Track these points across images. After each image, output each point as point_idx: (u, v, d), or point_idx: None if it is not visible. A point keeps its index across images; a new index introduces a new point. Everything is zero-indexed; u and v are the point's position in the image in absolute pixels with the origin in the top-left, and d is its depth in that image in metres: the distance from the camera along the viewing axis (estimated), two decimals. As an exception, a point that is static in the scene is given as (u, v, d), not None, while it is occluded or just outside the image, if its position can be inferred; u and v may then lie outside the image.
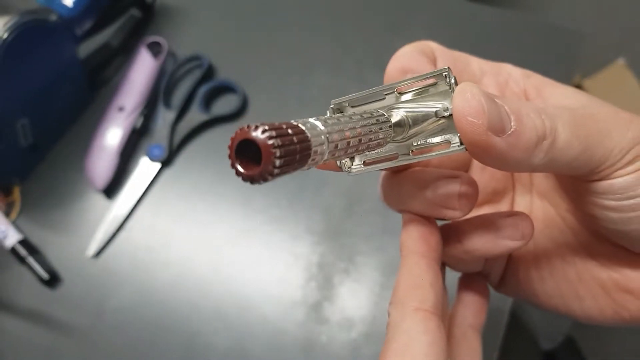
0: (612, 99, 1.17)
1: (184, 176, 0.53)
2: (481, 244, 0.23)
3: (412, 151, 0.20)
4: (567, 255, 0.24)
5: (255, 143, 0.13)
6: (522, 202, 0.26)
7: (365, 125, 0.18)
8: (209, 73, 0.56)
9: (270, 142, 0.13)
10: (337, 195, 0.51)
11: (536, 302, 0.25)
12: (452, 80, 0.19)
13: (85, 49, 0.55)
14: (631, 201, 0.19)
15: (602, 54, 1.22)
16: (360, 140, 0.17)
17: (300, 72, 0.56)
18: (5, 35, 0.44)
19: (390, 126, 0.19)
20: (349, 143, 0.17)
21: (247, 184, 0.55)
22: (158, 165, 0.53)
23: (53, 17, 0.47)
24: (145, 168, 0.53)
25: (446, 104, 0.19)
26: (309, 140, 0.15)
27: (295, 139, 0.14)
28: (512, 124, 0.18)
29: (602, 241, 0.22)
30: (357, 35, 0.58)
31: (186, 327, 0.47)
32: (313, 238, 0.49)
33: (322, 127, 0.16)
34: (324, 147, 0.16)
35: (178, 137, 0.53)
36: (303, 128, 0.15)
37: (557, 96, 0.23)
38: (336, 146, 0.16)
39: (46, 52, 0.49)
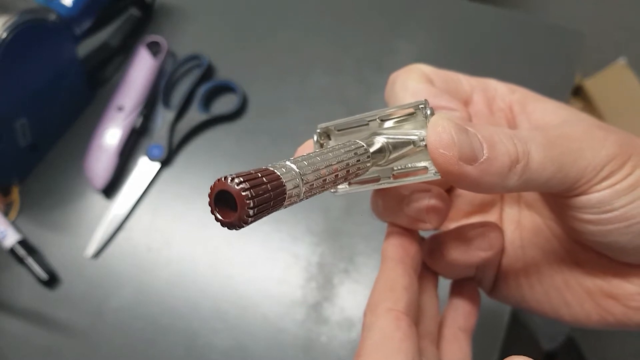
0: (612, 98, 1.17)
1: (183, 176, 0.53)
2: (457, 254, 0.24)
3: (393, 175, 0.22)
4: (554, 263, 0.24)
5: (230, 193, 0.15)
6: (510, 212, 0.26)
7: (342, 161, 0.19)
8: (208, 73, 0.56)
9: (244, 193, 0.15)
10: (337, 196, 0.50)
11: (526, 308, 0.26)
12: (428, 112, 0.20)
13: (85, 48, 0.55)
14: (608, 214, 0.20)
15: (603, 53, 1.22)
16: (336, 175, 0.19)
17: (300, 72, 0.56)
18: (5, 35, 0.44)
19: (368, 157, 0.20)
20: (325, 180, 0.18)
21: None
22: (157, 165, 0.53)
23: (52, 17, 0.47)
24: (144, 168, 0.52)
25: (423, 133, 0.21)
26: (283, 186, 0.16)
27: (269, 186, 0.16)
28: (484, 151, 0.18)
29: (587, 250, 0.23)
30: (357, 35, 0.58)
31: (186, 327, 0.47)
32: (313, 238, 0.49)
33: (297, 170, 0.17)
34: (299, 189, 0.17)
35: (177, 137, 0.53)
36: (278, 173, 0.16)
37: (540, 111, 0.24)
38: (312, 185, 0.17)
39: (45, 51, 0.49)
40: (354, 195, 0.50)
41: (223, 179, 0.15)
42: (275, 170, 0.16)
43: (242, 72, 0.56)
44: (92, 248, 0.50)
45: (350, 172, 0.19)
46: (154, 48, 0.56)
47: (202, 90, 0.54)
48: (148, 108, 0.54)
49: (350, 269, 0.48)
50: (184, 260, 0.49)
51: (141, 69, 0.54)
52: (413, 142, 0.20)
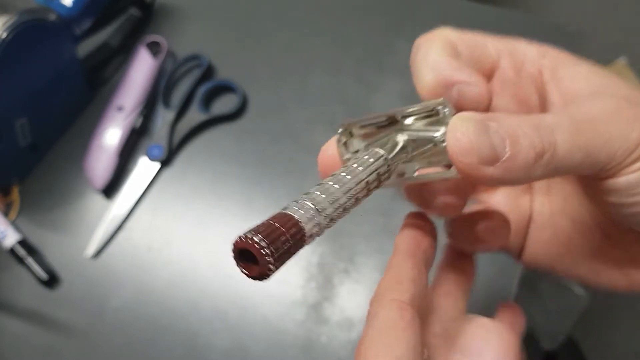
0: (612, 98, 1.17)
1: (183, 176, 0.53)
2: (465, 245, 0.25)
3: (416, 170, 0.22)
4: (583, 233, 0.25)
5: (250, 251, 0.16)
6: (540, 182, 0.26)
7: (362, 180, 0.19)
8: (208, 73, 0.56)
9: (264, 251, 0.16)
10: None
11: (553, 273, 0.26)
12: (447, 112, 0.20)
13: (85, 48, 0.55)
14: (638, 197, 0.19)
15: (603, 53, 1.22)
16: (357, 198, 0.18)
17: (300, 72, 0.56)
18: (4, 35, 0.44)
19: (388, 167, 0.20)
20: (344, 208, 0.18)
21: (248, 184, 0.55)
22: (157, 165, 0.53)
23: (52, 17, 0.47)
24: (144, 168, 0.52)
25: (443, 131, 0.20)
26: (302, 230, 0.17)
27: (288, 235, 0.16)
28: (507, 149, 0.18)
29: (616, 223, 0.23)
30: (357, 35, 0.58)
31: (186, 327, 0.47)
32: (313, 238, 0.49)
33: (314, 207, 0.17)
34: (319, 226, 0.17)
35: (177, 137, 0.53)
36: (296, 218, 0.16)
37: (570, 78, 0.23)
38: (331, 218, 0.18)
39: (45, 51, 0.49)
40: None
41: (243, 238, 0.16)
42: (294, 215, 0.17)
43: (242, 72, 0.56)
44: (92, 248, 0.50)
45: (371, 189, 0.19)
46: (154, 48, 0.56)
47: (202, 90, 0.54)
48: (148, 108, 0.54)
49: (350, 269, 0.48)
50: (184, 260, 0.49)
51: (141, 69, 0.54)
52: (434, 142, 0.20)
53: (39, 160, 0.54)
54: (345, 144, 0.22)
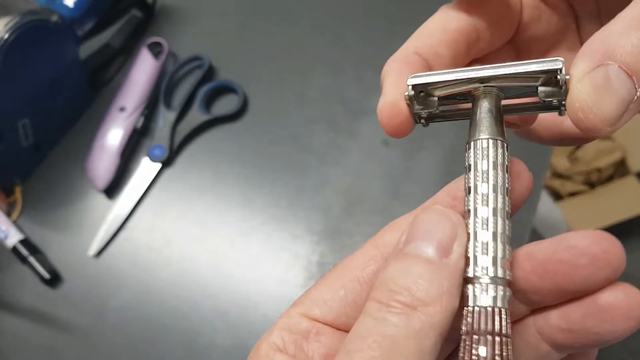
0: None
1: (184, 176, 0.53)
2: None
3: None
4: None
5: None
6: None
7: (503, 205, 0.17)
8: (209, 73, 0.56)
9: None
10: (337, 195, 0.51)
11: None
12: (564, 78, 0.17)
13: (87, 49, 0.56)
14: None
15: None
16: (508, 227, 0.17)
17: (300, 73, 0.57)
18: (7, 36, 0.44)
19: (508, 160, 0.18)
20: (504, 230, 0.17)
21: (248, 184, 0.55)
22: (159, 166, 0.53)
23: (54, 18, 0.48)
24: (146, 168, 0.53)
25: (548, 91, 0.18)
26: (503, 314, 0.16)
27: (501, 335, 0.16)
28: (637, 87, 0.15)
29: None
30: (357, 36, 0.58)
31: (187, 326, 0.47)
32: (313, 238, 0.49)
33: (495, 284, 0.17)
34: (506, 293, 0.17)
35: (179, 138, 0.54)
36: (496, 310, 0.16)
37: None
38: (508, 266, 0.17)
39: (47, 52, 0.49)
40: (354, 195, 0.51)
41: None
42: (486, 309, 0.16)
43: (242, 73, 0.56)
44: (94, 247, 0.50)
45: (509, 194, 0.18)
46: (155, 49, 0.56)
47: (203, 91, 0.55)
48: (149, 109, 0.55)
49: (350, 268, 0.48)
50: (185, 260, 0.50)
51: (143, 69, 0.54)
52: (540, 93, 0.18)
53: (41, 161, 0.55)
54: (413, 98, 0.19)
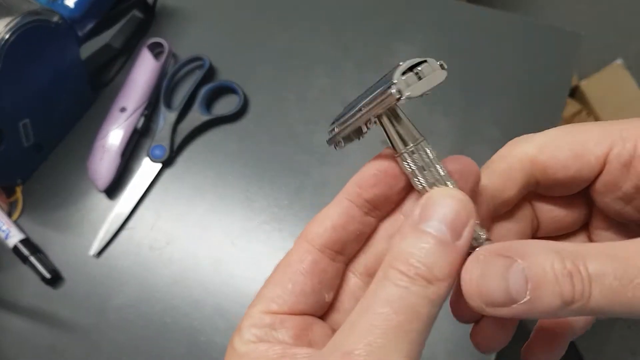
0: (609, 100, 1.18)
1: (185, 176, 0.53)
2: None
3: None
4: None
5: None
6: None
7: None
8: (209, 74, 0.56)
9: None
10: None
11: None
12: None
13: (88, 50, 0.56)
14: None
15: (600, 55, 1.23)
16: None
17: (301, 74, 0.57)
18: (8, 36, 0.44)
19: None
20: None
21: (248, 184, 0.55)
22: (159, 166, 0.53)
23: (55, 18, 0.48)
24: (146, 168, 0.53)
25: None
26: None
27: None
28: (527, 293, 0.17)
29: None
30: (357, 37, 0.58)
31: (188, 325, 0.48)
32: (313, 237, 0.49)
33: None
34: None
35: (179, 138, 0.54)
36: None
37: None
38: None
39: (48, 53, 0.49)
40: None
41: None
42: None
43: (243, 74, 0.57)
44: (95, 247, 0.50)
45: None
46: (156, 49, 0.56)
47: (203, 92, 0.55)
48: (150, 109, 0.55)
49: (350, 267, 0.48)
50: (186, 259, 0.50)
51: (143, 70, 0.55)
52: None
53: (42, 161, 0.55)
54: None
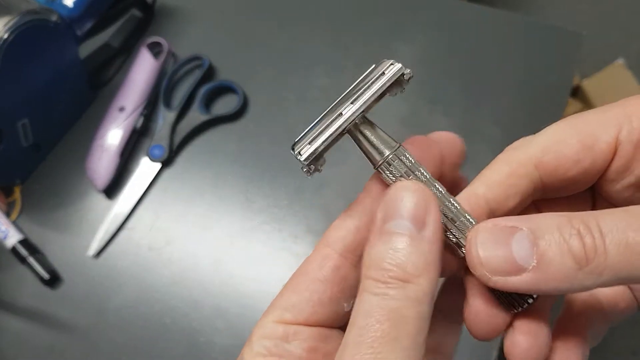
0: (610, 99, 1.17)
1: (184, 176, 0.53)
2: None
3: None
4: None
5: None
6: None
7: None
8: (209, 73, 0.56)
9: None
10: (336, 195, 0.51)
11: None
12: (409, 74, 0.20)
13: (86, 49, 0.56)
14: None
15: (601, 54, 1.22)
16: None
17: (300, 73, 0.57)
18: (6, 36, 0.44)
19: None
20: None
21: (248, 184, 0.55)
22: (158, 165, 0.53)
23: (54, 18, 0.48)
24: (145, 168, 0.53)
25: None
26: None
27: None
28: (534, 257, 0.17)
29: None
30: (357, 36, 0.58)
31: (187, 325, 0.47)
32: (313, 237, 0.49)
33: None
34: None
35: (178, 137, 0.54)
36: None
37: None
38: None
39: (47, 52, 0.49)
40: (354, 195, 0.51)
41: None
42: None
43: (242, 73, 0.56)
44: (93, 247, 0.50)
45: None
46: (155, 49, 0.56)
47: (203, 91, 0.55)
48: (149, 108, 0.55)
49: (350, 268, 0.48)
50: (185, 260, 0.50)
51: (142, 69, 0.54)
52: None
53: (40, 161, 0.54)
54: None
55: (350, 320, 0.18)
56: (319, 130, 0.20)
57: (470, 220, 0.20)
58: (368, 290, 0.17)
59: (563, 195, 0.22)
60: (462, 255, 0.20)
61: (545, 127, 0.22)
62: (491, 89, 0.54)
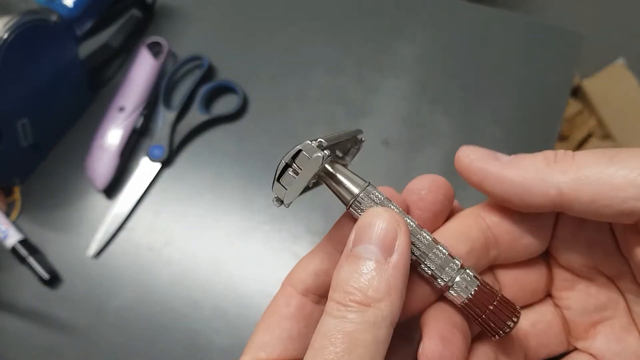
0: (611, 99, 1.18)
1: (184, 176, 0.53)
2: None
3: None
4: None
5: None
6: None
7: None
8: (209, 73, 0.56)
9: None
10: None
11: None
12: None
13: (86, 49, 0.55)
14: None
15: (602, 54, 1.22)
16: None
17: (300, 73, 0.56)
18: (6, 36, 0.44)
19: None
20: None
21: (248, 184, 0.55)
22: (158, 165, 0.53)
23: (54, 18, 0.48)
24: (145, 168, 0.53)
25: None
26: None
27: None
28: (510, 157, 0.20)
29: None
30: (357, 36, 0.58)
31: (187, 326, 0.47)
32: (313, 238, 0.49)
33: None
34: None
35: (178, 137, 0.53)
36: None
37: None
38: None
39: (47, 52, 0.49)
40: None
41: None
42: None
43: (242, 73, 0.56)
44: (93, 248, 0.50)
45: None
46: (154, 49, 0.56)
47: (202, 91, 0.54)
48: (149, 108, 0.55)
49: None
50: (185, 260, 0.50)
51: (142, 69, 0.54)
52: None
53: (40, 161, 0.54)
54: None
55: (311, 342, 0.18)
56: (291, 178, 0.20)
57: (444, 251, 0.20)
58: (328, 313, 0.18)
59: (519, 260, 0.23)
60: (439, 286, 0.20)
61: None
62: (491, 89, 0.54)
